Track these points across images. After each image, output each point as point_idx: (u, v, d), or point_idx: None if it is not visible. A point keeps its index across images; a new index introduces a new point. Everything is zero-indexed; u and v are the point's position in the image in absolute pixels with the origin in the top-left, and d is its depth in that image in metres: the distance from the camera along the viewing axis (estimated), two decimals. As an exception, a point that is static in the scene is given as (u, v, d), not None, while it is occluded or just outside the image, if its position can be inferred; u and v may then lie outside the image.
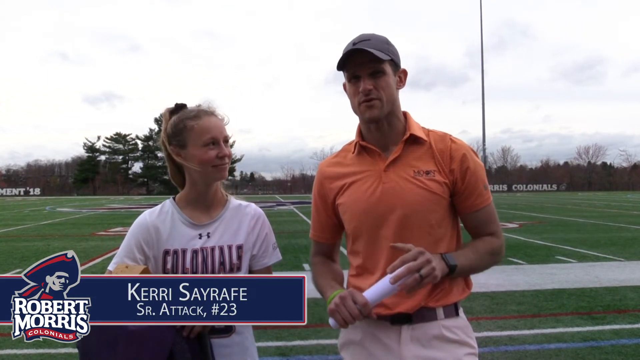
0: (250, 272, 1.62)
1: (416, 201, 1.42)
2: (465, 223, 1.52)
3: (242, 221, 1.61)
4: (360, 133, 1.56)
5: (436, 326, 1.42)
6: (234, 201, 1.66)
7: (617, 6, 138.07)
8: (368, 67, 1.43)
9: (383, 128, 1.50)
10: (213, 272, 1.52)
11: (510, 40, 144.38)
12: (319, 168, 1.66)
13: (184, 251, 1.53)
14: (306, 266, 7.65)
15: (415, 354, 1.41)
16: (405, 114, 1.55)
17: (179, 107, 1.59)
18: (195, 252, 1.53)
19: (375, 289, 1.32)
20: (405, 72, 1.52)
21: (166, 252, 1.53)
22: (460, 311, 1.49)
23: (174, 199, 1.63)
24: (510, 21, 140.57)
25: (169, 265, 1.52)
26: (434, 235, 1.44)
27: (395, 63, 1.47)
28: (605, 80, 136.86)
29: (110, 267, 1.51)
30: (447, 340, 1.42)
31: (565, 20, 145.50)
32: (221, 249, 1.55)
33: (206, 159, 1.51)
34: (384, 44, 1.45)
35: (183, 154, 1.54)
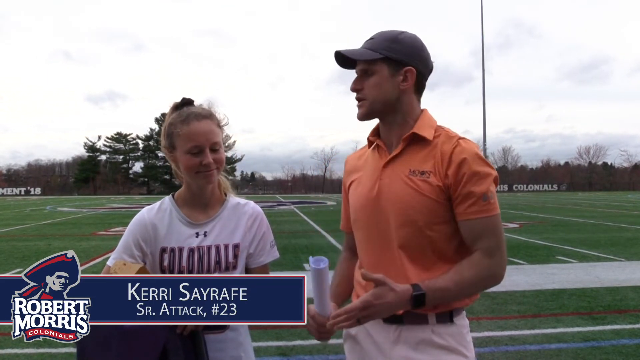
0: (247, 270, 1.63)
1: (403, 201, 1.40)
2: (460, 230, 1.41)
3: (239, 220, 1.62)
4: (377, 129, 1.56)
5: (426, 330, 1.39)
6: (233, 200, 1.66)
7: (624, 6, 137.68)
8: (359, 66, 1.46)
9: (388, 125, 1.49)
10: (209, 271, 1.53)
11: (516, 39, 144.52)
12: (346, 160, 1.70)
13: (180, 249, 1.54)
14: (306, 266, 7.65)
15: (403, 355, 1.39)
16: (422, 111, 1.50)
17: (185, 103, 1.59)
18: (191, 250, 1.54)
19: (313, 291, 1.39)
20: (411, 72, 1.43)
21: (163, 250, 1.54)
22: (458, 318, 1.43)
23: (173, 196, 1.64)
24: (517, 20, 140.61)
25: (165, 263, 1.53)
26: (424, 238, 1.40)
27: (396, 61, 1.42)
28: (610, 80, 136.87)
29: (109, 263, 1.53)
30: (435, 346, 1.38)
31: (572, 20, 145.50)
32: (217, 247, 1.56)
33: (189, 166, 1.51)
34: (385, 42, 1.43)
35: (173, 157, 1.57)
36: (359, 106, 1.47)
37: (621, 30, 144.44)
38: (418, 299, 1.30)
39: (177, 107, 1.58)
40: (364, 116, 1.48)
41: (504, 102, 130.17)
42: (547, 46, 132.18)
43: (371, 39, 1.46)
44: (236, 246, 1.58)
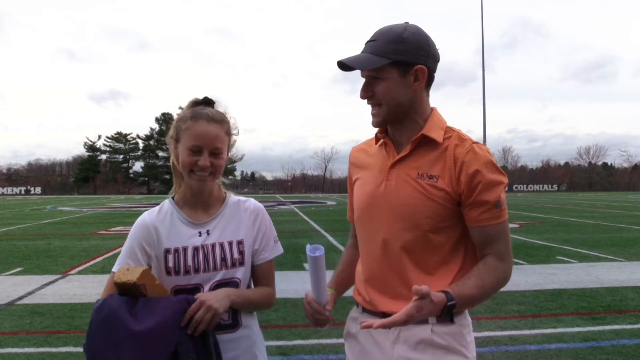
0: (252, 267, 1.62)
1: (410, 204, 1.39)
2: (471, 235, 1.42)
3: (241, 217, 1.62)
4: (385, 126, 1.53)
5: (426, 330, 1.38)
6: (233, 197, 1.66)
7: (632, 5, 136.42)
8: (367, 72, 1.41)
9: (398, 125, 1.46)
10: (215, 269, 1.53)
11: (522, 38, 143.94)
12: (350, 152, 1.67)
13: (184, 249, 1.53)
14: (306, 265, 7.65)
15: (402, 355, 1.39)
16: (432, 110, 1.47)
17: (205, 102, 1.58)
18: (196, 249, 1.54)
19: (310, 278, 1.45)
20: (422, 70, 1.38)
21: (167, 251, 1.53)
22: (458, 318, 1.41)
23: (172, 198, 1.63)
24: (524, 20, 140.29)
25: (170, 264, 1.52)
26: (429, 242, 1.39)
27: (404, 62, 1.37)
28: (615, 80, 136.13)
29: (114, 269, 1.52)
30: (434, 345, 1.38)
31: (579, 19, 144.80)
32: (222, 245, 1.56)
33: (186, 163, 1.51)
34: (390, 44, 1.36)
35: (176, 149, 1.56)
36: (373, 114, 1.44)
37: (628, 30, 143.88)
38: (449, 310, 1.27)
39: (196, 103, 1.57)
40: (380, 124, 1.46)
41: (508, 102, 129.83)
42: (554, 45, 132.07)
43: (373, 40, 1.40)
44: (240, 242, 1.58)
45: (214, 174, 1.53)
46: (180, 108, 1.63)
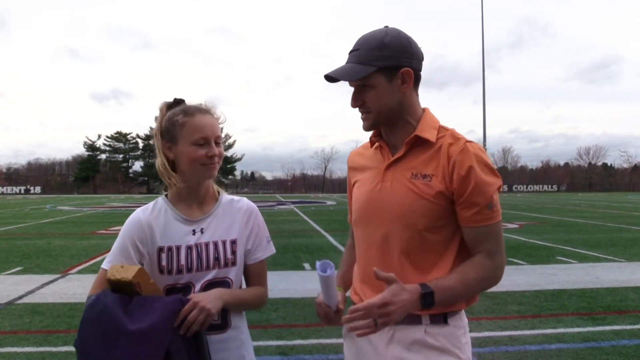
0: (245, 267, 1.62)
1: (404, 204, 1.40)
2: (463, 234, 1.42)
3: (234, 216, 1.62)
4: (379, 129, 1.54)
5: (419, 330, 1.39)
6: (226, 196, 1.66)
7: (638, 5, 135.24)
8: (354, 82, 1.43)
9: (391, 127, 1.48)
10: (208, 268, 1.52)
11: (528, 37, 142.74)
12: (348, 156, 1.69)
13: (178, 247, 1.53)
14: (306, 265, 7.64)
15: (396, 355, 1.39)
16: (424, 110, 1.49)
17: (177, 102, 1.58)
18: (189, 248, 1.53)
19: (321, 289, 1.45)
20: (408, 73, 1.40)
21: (160, 249, 1.52)
22: (452, 319, 1.42)
23: (166, 196, 1.62)
24: (530, 19, 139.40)
25: (163, 262, 1.51)
26: (425, 240, 1.40)
27: (390, 67, 1.39)
28: (619, 80, 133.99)
29: (104, 266, 1.51)
30: (427, 346, 1.38)
31: (586, 18, 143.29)
32: (215, 244, 1.55)
33: (195, 157, 1.51)
34: (373, 51, 1.38)
35: (174, 150, 1.54)
36: (364, 119, 1.46)
37: (633, 30, 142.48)
38: (427, 297, 1.29)
39: (170, 106, 1.58)
40: (370, 127, 1.48)
41: (511, 101, 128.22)
42: (559, 45, 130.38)
43: (356, 49, 1.41)
44: (233, 242, 1.58)
45: (219, 163, 1.56)
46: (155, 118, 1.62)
